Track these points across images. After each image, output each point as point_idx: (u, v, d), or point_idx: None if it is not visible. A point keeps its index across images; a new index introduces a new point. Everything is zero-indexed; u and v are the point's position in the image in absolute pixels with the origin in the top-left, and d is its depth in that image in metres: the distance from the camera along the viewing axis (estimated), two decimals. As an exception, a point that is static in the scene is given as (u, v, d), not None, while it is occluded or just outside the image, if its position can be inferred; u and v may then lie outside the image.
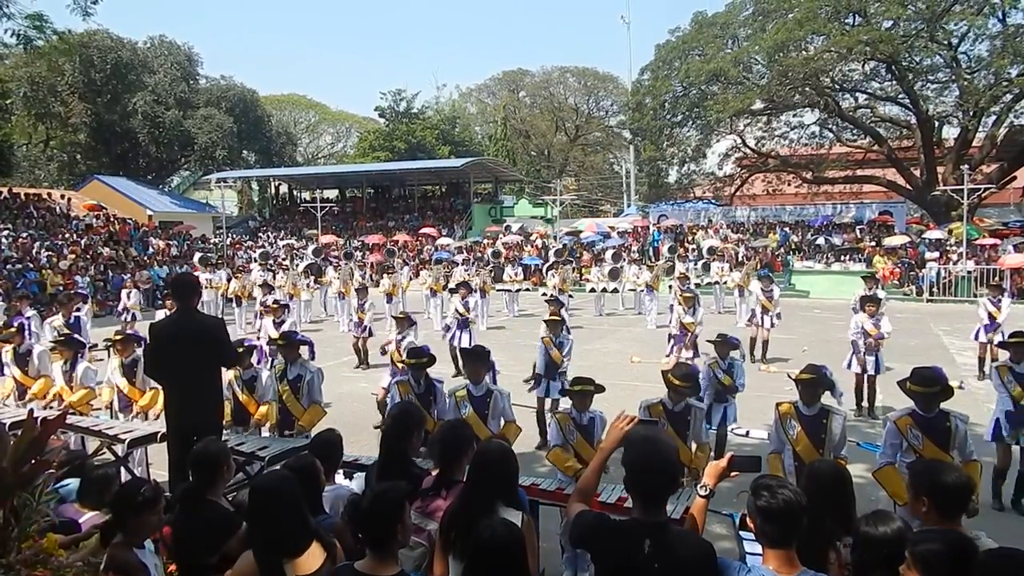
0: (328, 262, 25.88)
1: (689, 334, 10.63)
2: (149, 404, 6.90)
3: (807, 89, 28.42)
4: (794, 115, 33.22)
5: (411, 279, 23.40)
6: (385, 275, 19.60)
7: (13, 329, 8.13)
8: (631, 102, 38.17)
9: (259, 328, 12.28)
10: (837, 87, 30.04)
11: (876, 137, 30.95)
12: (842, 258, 26.20)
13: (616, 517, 2.77)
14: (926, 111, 28.41)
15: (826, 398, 4.98)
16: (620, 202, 53.28)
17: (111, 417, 7.02)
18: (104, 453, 5.86)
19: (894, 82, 28.82)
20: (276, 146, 49.71)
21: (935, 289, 22.45)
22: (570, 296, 18.72)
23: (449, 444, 3.36)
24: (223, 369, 5.36)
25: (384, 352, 9.37)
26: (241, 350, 5.94)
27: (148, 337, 5.09)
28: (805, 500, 2.46)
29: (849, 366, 9.40)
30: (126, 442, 5.74)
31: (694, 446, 5.26)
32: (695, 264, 23.92)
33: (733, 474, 2.84)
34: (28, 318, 10.90)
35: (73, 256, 24.14)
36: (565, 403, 6.28)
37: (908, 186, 29.85)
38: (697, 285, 20.36)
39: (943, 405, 4.68)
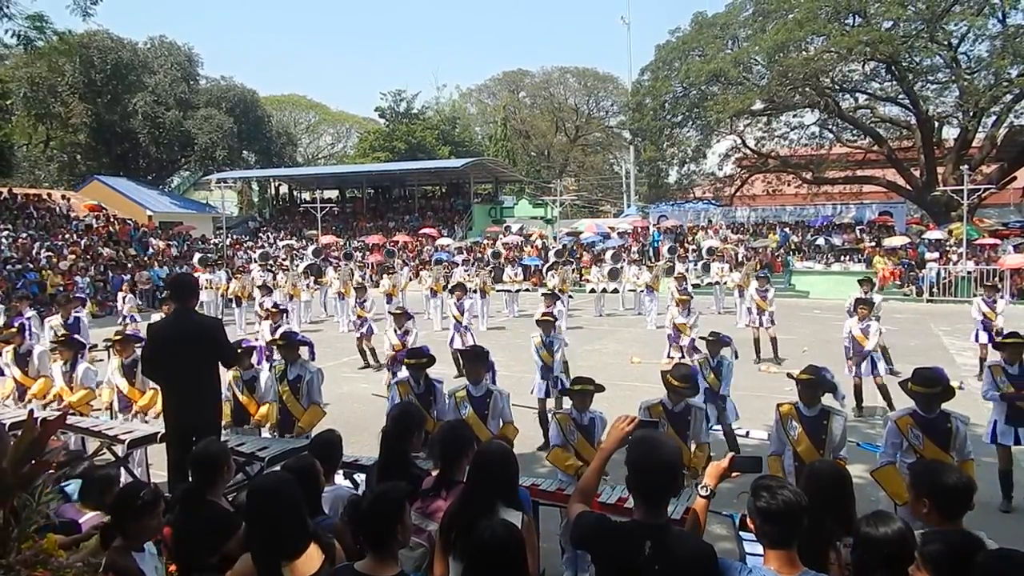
0: (328, 262, 25.89)
1: (683, 335, 10.64)
2: (149, 405, 6.90)
3: (807, 89, 28.42)
4: (794, 115, 33.23)
5: (410, 279, 23.42)
6: (385, 275, 19.62)
7: (14, 329, 8.13)
8: (631, 102, 38.18)
9: (259, 330, 12.29)
10: (837, 87, 30.04)
11: (876, 137, 30.95)
12: (842, 258, 26.20)
13: (617, 518, 2.77)
14: (926, 111, 28.40)
15: (827, 399, 4.98)
16: (620, 202, 53.28)
17: (111, 418, 7.02)
18: (104, 454, 5.86)
19: (894, 82, 28.82)
20: (276, 146, 49.71)
21: (935, 289, 22.45)
22: (570, 296, 18.72)
23: (449, 444, 3.35)
24: (223, 369, 5.36)
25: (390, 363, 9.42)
26: (240, 351, 5.93)
27: (146, 338, 5.08)
28: (805, 501, 2.46)
29: (848, 371, 9.41)
30: (126, 443, 5.74)
31: (694, 446, 5.26)
32: (695, 265, 23.93)
33: (734, 475, 2.84)
34: (28, 319, 10.89)
35: (73, 256, 24.15)
36: (567, 403, 6.28)
37: (908, 186, 29.85)
38: (697, 286, 20.45)
39: (944, 406, 4.68)
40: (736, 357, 7.62)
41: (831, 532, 2.94)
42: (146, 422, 6.72)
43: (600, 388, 5.43)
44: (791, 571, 2.40)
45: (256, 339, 10.87)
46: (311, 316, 19.89)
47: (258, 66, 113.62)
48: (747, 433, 7.98)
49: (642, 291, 19.08)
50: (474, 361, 5.70)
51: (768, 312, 13.00)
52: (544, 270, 25.06)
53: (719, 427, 7.23)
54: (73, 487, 3.99)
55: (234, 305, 18.50)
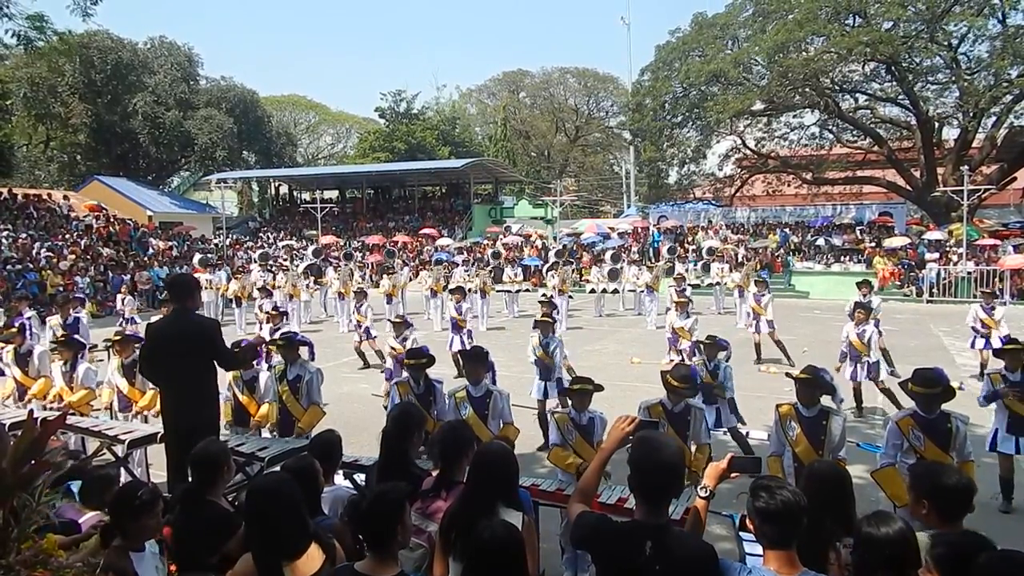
0: (328, 263, 25.89)
1: (681, 340, 10.63)
2: (149, 405, 6.90)
3: (807, 90, 28.43)
4: (794, 116, 33.24)
5: (410, 279, 23.40)
6: (385, 276, 19.62)
7: (14, 329, 8.13)
8: (631, 103, 38.20)
9: (259, 332, 12.28)
10: (837, 88, 30.04)
11: (876, 138, 30.96)
12: (842, 259, 26.20)
13: (617, 518, 2.77)
14: (926, 112, 28.41)
15: (826, 400, 4.98)
16: (620, 203, 53.29)
17: (111, 418, 7.02)
18: (104, 454, 5.86)
19: (894, 83, 28.83)
20: (276, 147, 49.70)
21: (935, 290, 22.45)
22: (570, 297, 18.72)
23: (449, 445, 3.35)
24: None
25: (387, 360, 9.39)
26: (237, 350, 5.89)
27: (144, 337, 5.07)
28: (804, 501, 2.46)
29: (845, 373, 9.41)
30: (126, 443, 5.73)
31: (694, 447, 5.26)
32: (695, 265, 23.93)
33: (733, 475, 2.84)
34: (28, 319, 10.89)
35: (73, 257, 24.15)
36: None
37: (908, 187, 29.85)
38: (697, 286, 20.45)
39: (944, 406, 4.69)
40: (728, 360, 7.61)
41: (831, 532, 2.94)
42: (146, 422, 6.73)
43: (599, 388, 5.43)
44: (790, 571, 2.40)
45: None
46: (311, 316, 19.89)
47: (258, 66, 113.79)
48: (747, 433, 7.98)
49: (642, 291, 19.09)
50: (474, 361, 5.71)
51: (765, 319, 12.77)
52: (544, 270, 25.08)
53: (719, 429, 7.22)
54: (78, 486, 3.98)
55: (234, 305, 18.51)
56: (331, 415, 6.74)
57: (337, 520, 3.54)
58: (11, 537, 2.48)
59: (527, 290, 22.69)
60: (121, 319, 16.08)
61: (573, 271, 24.57)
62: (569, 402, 5.51)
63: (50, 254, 23.90)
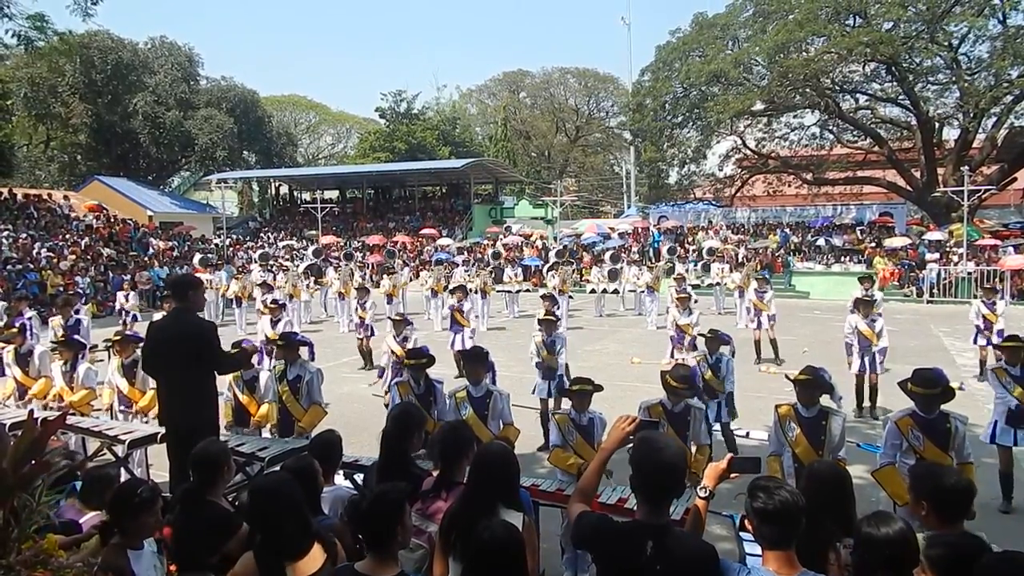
0: (328, 263, 25.90)
1: (686, 336, 10.63)
2: (149, 405, 6.89)
3: (807, 90, 28.44)
4: (794, 116, 33.26)
5: (410, 280, 23.40)
6: (385, 276, 19.62)
7: (14, 330, 8.13)
8: (631, 103, 38.20)
9: (259, 328, 12.28)
10: (837, 88, 30.05)
11: (876, 138, 30.96)
12: (842, 259, 26.19)
13: (617, 519, 2.77)
14: (926, 112, 28.41)
15: (826, 400, 4.97)
16: (620, 203, 53.30)
17: (111, 418, 7.02)
18: (104, 454, 5.86)
19: (894, 83, 28.83)
20: (276, 147, 49.69)
21: (935, 290, 22.44)
22: (570, 297, 18.72)
23: (449, 445, 3.35)
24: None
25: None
26: (236, 351, 5.88)
27: (144, 336, 5.08)
28: (803, 501, 2.46)
29: (851, 367, 9.39)
30: (126, 443, 5.73)
31: (694, 447, 5.25)
32: (695, 265, 23.93)
33: (733, 475, 2.84)
34: (29, 319, 10.88)
35: (73, 257, 24.16)
36: (566, 403, 6.28)
37: (908, 187, 29.86)
38: (697, 286, 20.43)
39: (943, 407, 4.68)
40: (733, 355, 7.60)
41: (830, 533, 2.94)
42: (146, 422, 6.73)
43: (599, 388, 5.43)
44: (790, 572, 2.40)
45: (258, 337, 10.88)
46: (311, 316, 19.90)
47: (258, 66, 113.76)
48: (747, 433, 7.99)
49: (642, 292, 19.09)
50: (474, 362, 5.70)
51: (767, 314, 12.97)
52: (544, 270, 25.08)
53: (718, 423, 7.21)
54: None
55: (234, 305, 18.52)
56: (331, 415, 6.74)
57: (337, 520, 3.54)
58: (11, 537, 2.48)
59: (527, 290, 22.69)
60: (123, 313, 16.22)
61: (573, 271, 24.57)
62: (569, 402, 5.51)
63: (50, 254, 23.91)
